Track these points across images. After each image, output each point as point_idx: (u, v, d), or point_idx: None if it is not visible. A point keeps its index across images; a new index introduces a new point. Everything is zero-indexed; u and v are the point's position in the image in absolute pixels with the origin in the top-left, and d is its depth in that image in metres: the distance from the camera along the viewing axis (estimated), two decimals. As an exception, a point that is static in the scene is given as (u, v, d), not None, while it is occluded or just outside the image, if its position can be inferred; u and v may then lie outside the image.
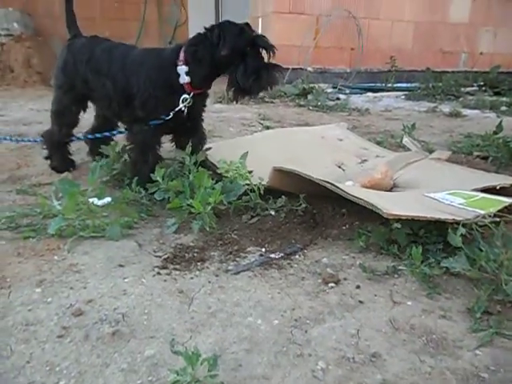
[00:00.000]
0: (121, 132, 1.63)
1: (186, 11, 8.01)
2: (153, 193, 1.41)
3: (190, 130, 1.55)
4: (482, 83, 4.89)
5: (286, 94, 3.99)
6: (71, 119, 1.71)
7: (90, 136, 1.72)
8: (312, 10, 4.78)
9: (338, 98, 3.97)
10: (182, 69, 1.41)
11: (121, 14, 7.70)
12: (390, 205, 1.04)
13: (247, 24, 1.46)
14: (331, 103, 3.67)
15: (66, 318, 0.78)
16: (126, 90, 1.48)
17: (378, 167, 1.54)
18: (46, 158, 1.76)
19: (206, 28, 1.40)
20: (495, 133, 2.18)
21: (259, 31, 5.07)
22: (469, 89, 4.72)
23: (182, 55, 1.42)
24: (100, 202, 1.36)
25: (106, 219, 1.22)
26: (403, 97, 4.33)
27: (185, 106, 1.44)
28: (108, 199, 1.40)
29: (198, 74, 1.42)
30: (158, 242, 1.14)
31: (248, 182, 1.31)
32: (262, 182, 1.32)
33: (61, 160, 1.76)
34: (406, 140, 1.88)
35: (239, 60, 1.37)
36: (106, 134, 1.64)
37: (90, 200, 1.36)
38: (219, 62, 1.39)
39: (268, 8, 4.77)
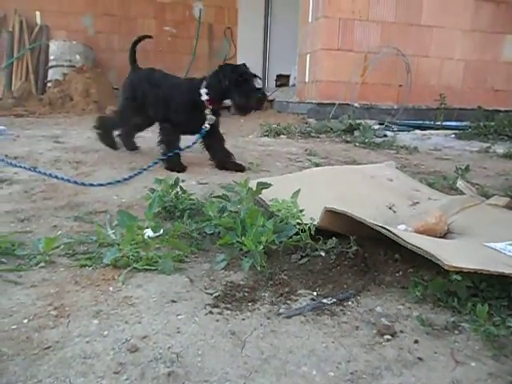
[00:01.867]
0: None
1: (236, 46, 8.33)
2: (203, 226, 1.44)
3: (210, 133, 2.34)
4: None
5: (332, 129, 4.01)
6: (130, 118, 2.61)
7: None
8: (360, 48, 4.84)
9: (385, 135, 3.93)
10: (203, 91, 2.25)
11: (173, 48, 8.10)
12: (450, 255, 1.00)
13: (244, 64, 2.29)
14: (378, 140, 3.64)
15: (122, 354, 0.78)
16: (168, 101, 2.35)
17: (432, 211, 1.50)
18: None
19: (217, 67, 2.26)
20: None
21: (307, 67, 5.18)
22: (523, 129, 4.55)
23: (204, 83, 2.27)
24: (153, 234, 1.39)
25: (158, 251, 1.24)
26: (453, 136, 4.23)
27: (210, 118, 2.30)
28: (160, 231, 1.44)
29: (213, 95, 2.24)
30: (209, 278, 1.14)
31: (299, 221, 1.30)
32: (313, 223, 1.30)
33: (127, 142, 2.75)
34: (460, 183, 1.82)
35: (235, 87, 2.17)
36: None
37: (144, 232, 1.40)
38: (224, 89, 2.20)
39: (316, 45, 4.87)
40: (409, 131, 4.46)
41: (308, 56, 5.12)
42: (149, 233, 1.41)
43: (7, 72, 6.61)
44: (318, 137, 3.83)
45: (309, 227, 1.30)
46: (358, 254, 1.29)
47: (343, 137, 3.84)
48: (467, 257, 1.07)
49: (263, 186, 1.54)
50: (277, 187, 1.64)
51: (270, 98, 6.17)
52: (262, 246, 1.16)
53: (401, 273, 1.20)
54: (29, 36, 6.94)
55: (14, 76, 6.54)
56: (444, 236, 1.47)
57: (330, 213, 1.33)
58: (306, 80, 5.19)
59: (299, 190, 1.44)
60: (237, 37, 8.32)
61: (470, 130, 4.33)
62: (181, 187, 1.65)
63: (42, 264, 1.18)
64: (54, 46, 6.81)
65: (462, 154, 3.32)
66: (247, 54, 8.53)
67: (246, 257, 1.21)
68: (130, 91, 2.54)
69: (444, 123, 4.69)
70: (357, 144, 3.52)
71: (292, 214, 1.29)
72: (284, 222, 1.32)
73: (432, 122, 4.74)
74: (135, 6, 7.76)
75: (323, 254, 1.31)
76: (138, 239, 1.26)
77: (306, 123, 4.78)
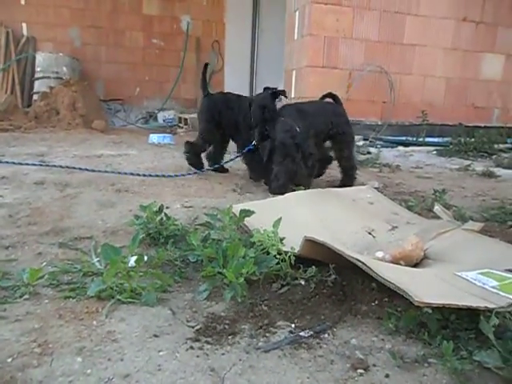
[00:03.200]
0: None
1: (223, 59, 8.40)
2: (187, 254, 1.47)
3: None
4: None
5: (316, 145, 4.07)
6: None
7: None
8: (345, 65, 4.93)
9: (369, 152, 4.02)
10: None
11: (161, 61, 8.16)
12: (420, 290, 1.05)
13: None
14: (362, 157, 3.71)
15: (104, 394, 0.81)
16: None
17: (409, 238, 1.55)
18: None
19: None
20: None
21: (293, 83, 5.26)
22: (502, 145, 4.69)
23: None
24: (132, 263, 1.42)
25: (141, 281, 1.27)
26: (435, 152, 4.34)
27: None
28: (144, 259, 1.47)
29: None
30: (191, 309, 1.18)
31: (279, 251, 1.34)
32: (294, 251, 1.35)
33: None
34: (437, 208, 1.88)
35: None
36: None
37: (128, 260, 1.43)
38: None
39: (302, 62, 4.96)
40: (392, 147, 4.56)
41: (294, 72, 5.20)
42: (132, 262, 1.44)
43: (-7, 84, 6.57)
44: (303, 154, 3.89)
45: (289, 256, 1.34)
46: (336, 283, 1.34)
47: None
48: (437, 290, 1.12)
49: (246, 213, 1.58)
50: (259, 212, 1.69)
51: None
52: (242, 278, 1.20)
53: (377, 302, 1.25)
54: (15, 48, 6.93)
55: (-1, 88, 6.51)
56: (420, 262, 1.53)
57: (310, 242, 1.38)
58: (292, 96, 5.26)
59: (280, 218, 1.48)
60: (224, 50, 8.40)
61: (451, 146, 4.44)
62: (165, 214, 1.68)
63: (27, 296, 1.19)
64: (40, 58, 6.81)
65: (442, 172, 3.41)
66: (234, 68, 8.61)
67: (227, 286, 1.25)
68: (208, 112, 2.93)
69: (426, 139, 4.80)
70: (341, 162, 3.58)
71: (273, 244, 1.33)
72: (265, 252, 1.36)
73: (414, 139, 4.84)
74: (123, 19, 7.81)
75: (303, 282, 1.35)
76: (122, 269, 1.28)
77: (292, 138, 4.85)
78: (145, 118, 7.76)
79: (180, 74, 8.02)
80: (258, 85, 8.74)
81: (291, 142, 2.37)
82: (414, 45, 5.12)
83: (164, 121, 7.60)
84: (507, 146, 4.71)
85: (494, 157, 4.15)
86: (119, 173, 2.56)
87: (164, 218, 1.67)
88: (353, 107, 5.02)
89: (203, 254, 1.31)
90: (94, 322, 1.08)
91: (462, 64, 5.37)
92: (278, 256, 1.34)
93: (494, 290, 1.16)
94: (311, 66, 4.87)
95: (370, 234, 1.77)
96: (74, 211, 1.95)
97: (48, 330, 1.03)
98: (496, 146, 4.53)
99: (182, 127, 6.42)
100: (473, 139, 4.59)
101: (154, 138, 4.32)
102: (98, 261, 1.43)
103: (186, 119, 6.38)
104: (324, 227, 1.73)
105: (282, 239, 1.38)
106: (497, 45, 5.44)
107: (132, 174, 2.56)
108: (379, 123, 5.17)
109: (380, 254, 1.50)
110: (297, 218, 1.74)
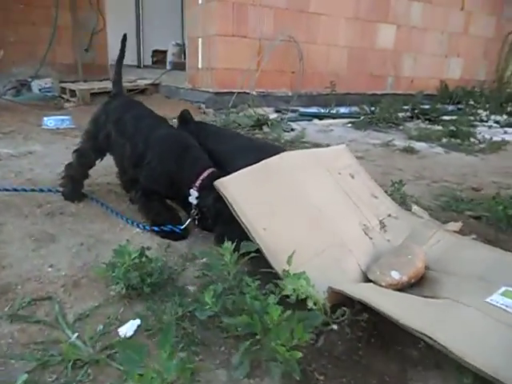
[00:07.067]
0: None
1: (104, 17, 7.43)
2: (193, 309, 1.22)
3: None
4: (412, 108, 5.20)
5: (240, 125, 3.86)
6: (88, 162, 1.98)
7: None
8: (254, 34, 4.70)
9: (293, 129, 3.94)
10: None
11: (28, 18, 6.88)
12: (468, 341, 1.00)
13: None
14: (289, 136, 3.62)
15: None
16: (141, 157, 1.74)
17: (416, 251, 1.50)
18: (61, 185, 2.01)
19: None
20: (474, 189, 2.33)
21: (199, 52, 4.86)
22: (402, 114, 4.99)
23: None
24: (128, 332, 1.14)
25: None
26: (350, 125, 4.45)
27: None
28: (136, 322, 1.19)
29: None
30: (239, 398, 0.96)
31: (316, 301, 1.17)
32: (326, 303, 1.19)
33: (72, 191, 1.98)
34: (415, 208, 1.88)
35: None
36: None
37: (118, 330, 1.15)
38: None
39: (210, 30, 4.58)
40: (309, 121, 4.55)
41: (200, 40, 4.80)
42: (125, 330, 1.16)
43: None
44: (228, 135, 3.65)
45: (323, 304, 1.19)
46: (368, 321, 1.23)
47: (252, 133, 3.73)
48: (483, 332, 1.07)
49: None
50: (248, 185, 1.52)
51: (156, 82, 5.71)
52: (297, 352, 1.00)
53: (423, 343, 1.17)
54: None
55: None
56: (423, 276, 1.50)
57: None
58: (200, 66, 4.88)
59: (293, 252, 1.30)
60: (105, 6, 7.42)
61: (362, 117, 4.60)
62: (146, 256, 1.37)
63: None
64: None
65: (368, 150, 3.49)
66: (118, 27, 7.70)
67: (266, 354, 1.05)
68: (94, 126, 1.98)
69: (337, 109, 4.90)
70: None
71: (308, 296, 1.15)
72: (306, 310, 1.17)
73: (327, 110, 4.90)
74: (-29, -35, 6.33)
75: (335, 327, 1.21)
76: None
77: (204, 113, 4.55)
78: (15, 87, 6.56)
79: (54, 35, 6.89)
80: (145, 45, 8.05)
81: None
82: (319, 14, 5.07)
83: (40, 90, 6.50)
84: (408, 114, 5.04)
85: (401, 127, 4.40)
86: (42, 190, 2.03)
87: (145, 262, 1.36)
88: (264, 78, 4.88)
89: (240, 323, 1.07)
90: None
91: (361, 33, 5.52)
92: (314, 307, 1.17)
93: (533, 318, 1.16)
94: (220, 34, 4.53)
95: (365, 233, 1.68)
96: (5, 256, 1.49)
97: None
98: (400, 114, 4.81)
99: (69, 100, 5.56)
100: (376, 108, 4.79)
101: (50, 121, 3.61)
102: (77, 336, 1.11)
103: (73, 90, 5.53)
104: (323, 221, 1.58)
105: (312, 286, 1.21)
106: (390, 15, 5.69)
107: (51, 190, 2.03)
108: (289, 94, 5.11)
109: (396, 276, 1.42)
110: (290, 202, 1.57)
